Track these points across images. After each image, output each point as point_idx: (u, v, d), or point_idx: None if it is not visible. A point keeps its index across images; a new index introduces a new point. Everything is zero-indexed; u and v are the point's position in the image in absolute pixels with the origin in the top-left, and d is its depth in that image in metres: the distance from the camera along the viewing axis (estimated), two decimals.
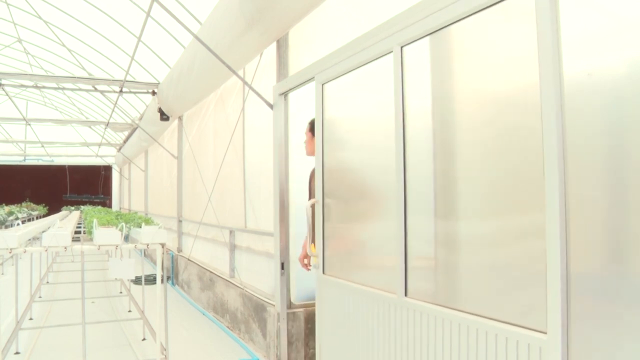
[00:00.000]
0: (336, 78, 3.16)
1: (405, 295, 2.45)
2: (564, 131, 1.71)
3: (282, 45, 4.62)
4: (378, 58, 2.73)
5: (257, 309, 4.93)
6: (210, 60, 4.90)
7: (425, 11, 2.33)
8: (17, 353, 4.90)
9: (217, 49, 4.51)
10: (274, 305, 4.40)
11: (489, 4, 2.01)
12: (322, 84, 3.32)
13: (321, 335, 3.38)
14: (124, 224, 4.28)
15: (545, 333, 1.73)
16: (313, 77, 3.42)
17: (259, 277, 5.28)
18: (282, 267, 4.18)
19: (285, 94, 4.01)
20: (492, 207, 2.04)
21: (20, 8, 8.90)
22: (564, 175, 1.71)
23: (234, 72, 4.57)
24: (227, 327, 5.80)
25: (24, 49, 10.97)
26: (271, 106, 4.13)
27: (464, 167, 2.19)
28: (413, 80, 2.49)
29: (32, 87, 10.54)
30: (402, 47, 2.52)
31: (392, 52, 2.58)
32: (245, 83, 4.77)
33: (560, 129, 1.72)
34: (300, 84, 3.74)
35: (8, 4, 8.81)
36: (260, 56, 5.03)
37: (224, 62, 4.43)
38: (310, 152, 3.65)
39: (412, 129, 2.49)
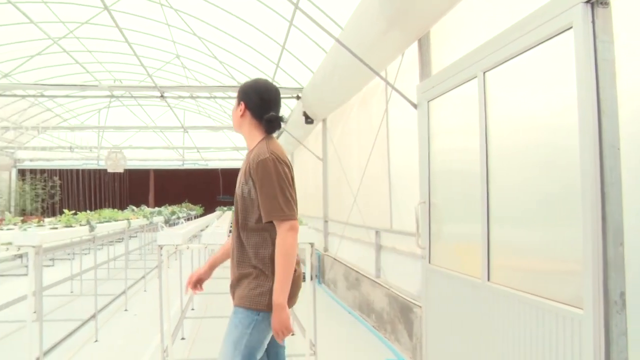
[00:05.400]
0: (438, 97, 3.73)
1: (488, 280, 2.96)
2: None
3: (423, 44, 4.55)
4: (467, 81, 3.23)
5: (403, 309, 4.91)
6: (351, 62, 4.97)
7: (501, 42, 2.78)
8: (182, 339, 5.39)
9: (358, 51, 4.55)
10: (420, 307, 4.34)
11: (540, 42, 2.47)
12: (428, 101, 3.89)
13: (427, 313, 3.91)
14: None
15: (582, 309, 2.17)
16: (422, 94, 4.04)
17: (404, 278, 5.25)
18: None
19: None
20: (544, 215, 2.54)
21: (179, 27, 9.77)
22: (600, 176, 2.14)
23: (376, 73, 4.59)
24: (373, 326, 5.84)
25: (181, 63, 12.01)
26: (415, 106, 4.08)
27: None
28: (495, 101, 2.96)
29: (188, 97, 11.52)
30: (484, 73, 3.00)
31: (476, 77, 3.07)
32: (387, 83, 4.76)
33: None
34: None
35: (169, 25, 9.70)
36: (402, 56, 4.99)
37: (365, 64, 4.46)
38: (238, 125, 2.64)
39: (495, 143, 2.95)
